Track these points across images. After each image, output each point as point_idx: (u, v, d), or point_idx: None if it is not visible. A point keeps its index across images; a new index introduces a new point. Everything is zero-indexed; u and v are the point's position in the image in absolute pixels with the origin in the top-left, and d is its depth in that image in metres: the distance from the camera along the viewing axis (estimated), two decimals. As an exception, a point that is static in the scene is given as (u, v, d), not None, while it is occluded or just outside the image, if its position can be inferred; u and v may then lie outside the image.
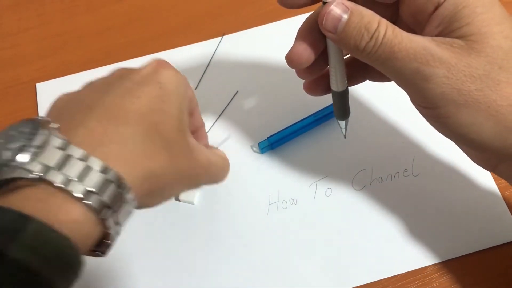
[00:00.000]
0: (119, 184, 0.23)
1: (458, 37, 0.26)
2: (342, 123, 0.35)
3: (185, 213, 0.39)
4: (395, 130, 0.41)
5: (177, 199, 0.39)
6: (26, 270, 0.19)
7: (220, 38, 0.47)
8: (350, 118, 0.35)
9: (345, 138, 0.36)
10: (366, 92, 0.42)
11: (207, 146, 0.35)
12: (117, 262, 0.37)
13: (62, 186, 0.21)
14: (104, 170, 0.22)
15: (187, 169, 0.28)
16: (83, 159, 0.22)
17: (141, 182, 0.25)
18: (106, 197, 0.22)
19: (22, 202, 0.21)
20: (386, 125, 0.41)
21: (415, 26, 0.29)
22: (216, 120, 0.41)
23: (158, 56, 0.32)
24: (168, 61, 0.29)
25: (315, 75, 0.32)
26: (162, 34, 0.48)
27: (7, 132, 0.23)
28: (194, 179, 0.31)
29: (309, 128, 0.40)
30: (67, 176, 0.21)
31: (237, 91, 0.43)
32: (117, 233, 0.25)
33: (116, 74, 0.28)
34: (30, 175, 0.21)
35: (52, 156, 0.22)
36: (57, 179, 0.21)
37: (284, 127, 0.40)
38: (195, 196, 0.39)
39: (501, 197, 0.37)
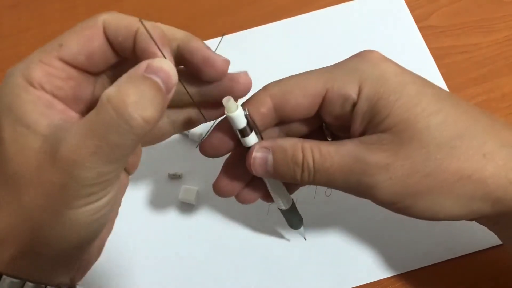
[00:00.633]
0: None
1: (384, 131, 0.25)
2: (299, 230, 0.34)
3: (185, 213, 0.39)
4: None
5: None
6: None
7: (220, 38, 0.47)
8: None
9: (305, 240, 0.36)
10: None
11: None
12: (117, 262, 0.37)
13: None
14: None
15: None
16: None
17: None
18: None
19: None
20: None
21: (341, 129, 0.28)
22: (215, 121, 0.41)
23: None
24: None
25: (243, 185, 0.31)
26: (162, 34, 0.48)
27: None
28: None
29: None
30: None
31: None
32: None
33: None
34: None
35: None
36: None
37: (284, 127, 0.40)
38: (195, 196, 0.39)
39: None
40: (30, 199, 0.21)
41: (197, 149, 0.41)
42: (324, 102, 0.27)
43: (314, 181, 0.27)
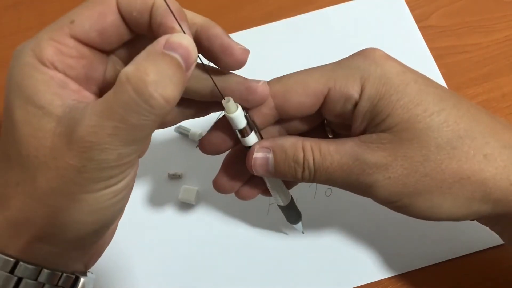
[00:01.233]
0: None
1: (384, 130, 0.25)
2: (297, 225, 0.34)
3: (185, 213, 0.39)
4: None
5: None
6: None
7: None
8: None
9: (303, 233, 0.36)
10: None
11: None
12: (117, 261, 0.37)
13: None
14: None
15: None
16: None
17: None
18: None
19: None
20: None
21: (342, 126, 0.28)
22: (215, 121, 0.41)
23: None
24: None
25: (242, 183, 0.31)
26: (162, 34, 0.48)
27: None
28: None
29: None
30: None
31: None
32: None
33: None
34: None
35: None
36: None
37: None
38: (195, 196, 0.39)
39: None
40: (46, 182, 0.21)
41: (197, 149, 0.41)
42: (325, 101, 0.27)
43: (314, 180, 0.27)
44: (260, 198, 0.38)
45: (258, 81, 0.26)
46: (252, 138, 0.27)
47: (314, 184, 0.39)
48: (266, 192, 0.31)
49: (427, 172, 0.25)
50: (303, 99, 0.27)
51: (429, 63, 0.43)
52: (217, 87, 0.25)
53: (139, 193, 0.40)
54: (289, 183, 0.32)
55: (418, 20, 0.45)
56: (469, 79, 0.42)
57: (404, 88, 0.25)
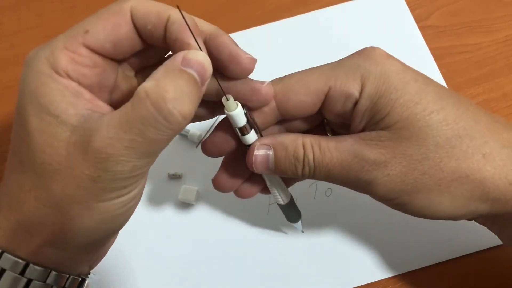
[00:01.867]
0: None
1: (384, 128, 0.25)
2: (297, 224, 0.34)
3: (185, 213, 0.39)
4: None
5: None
6: None
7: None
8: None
9: (303, 232, 0.36)
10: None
11: None
12: (117, 261, 0.37)
13: None
14: None
15: None
16: None
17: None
18: None
19: None
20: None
21: (342, 125, 0.28)
22: (215, 121, 0.41)
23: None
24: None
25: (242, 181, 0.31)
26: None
27: None
28: None
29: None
30: None
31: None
32: None
33: None
34: None
35: None
36: None
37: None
38: (195, 196, 0.39)
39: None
40: (60, 189, 0.21)
41: (197, 149, 0.41)
42: (326, 100, 0.27)
43: (313, 176, 0.27)
44: (260, 198, 0.39)
45: (263, 82, 0.26)
46: (252, 136, 0.27)
47: (314, 184, 0.39)
48: (265, 190, 0.31)
49: (426, 170, 0.25)
50: (304, 98, 0.27)
51: (429, 63, 0.43)
52: (220, 86, 0.25)
53: (139, 193, 0.40)
54: (288, 181, 0.32)
55: (418, 20, 0.45)
56: (469, 79, 0.42)
57: (404, 86, 0.25)
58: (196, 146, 0.41)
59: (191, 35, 0.22)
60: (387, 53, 0.27)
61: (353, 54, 0.27)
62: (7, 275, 0.22)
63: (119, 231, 0.25)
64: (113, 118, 0.20)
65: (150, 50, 0.25)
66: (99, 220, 0.22)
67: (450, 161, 0.25)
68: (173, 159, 0.41)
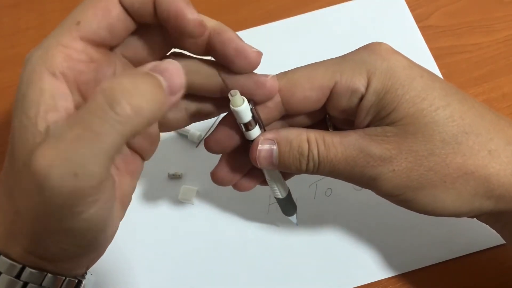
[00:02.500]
0: None
1: (389, 124, 0.25)
2: (292, 217, 0.34)
3: (185, 213, 0.39)
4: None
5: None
6: None
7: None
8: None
9: (297, 225, 0.36)
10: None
11: None
12: (117, 261, 0.37)
13: None
14: None
15: None
16: None
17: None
18: None
19: None
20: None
21: (344, 121, 0.28)
22: (215, 121, 0.41)
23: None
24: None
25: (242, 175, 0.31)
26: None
27: None
28: None
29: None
30: None
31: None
32: None
33: None
34: None
35: None
36: None
37: (284, 127, 0.40)
38: (195, 196, 0.39)
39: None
40: (26, 202, 0.21)
41: (197, 149, 0.41)
42: (331, 95, 0.26)
43: (318, 171, 0.27)
44: (260, 197, 0.39)
45: (267, 75, 0.26)
46: (256, 132, 0.27)
47: (314, 184, 0.39)
48: (264, 183, 0.31)
49: (431, 166, 0.25)
50: (309, 93, 0.26)
51: (429, 63, 0.43)
52: (224, 81, 0.25)
53: (139, 193, 0.40)
54: (286, 175, 0.32)
55: (418, 20, 0.45)
56: (469, 79, 0.42)
57: (410, 82, 0.25)
58: (196, 146, 0.41)
59: (180, 2, 0.22)
60: (392, 48, 0.27)
61: (358, 48, 0.27)
62: (3, 278, 0.22)
63: (104, 231, 0.23)
64: (68, 118, 0.20)
65: (150, 42, 0.25)
66: (76, 231, 0.21)
67: (456, 157, 0.25)
68: (173, 159, 0.41)
